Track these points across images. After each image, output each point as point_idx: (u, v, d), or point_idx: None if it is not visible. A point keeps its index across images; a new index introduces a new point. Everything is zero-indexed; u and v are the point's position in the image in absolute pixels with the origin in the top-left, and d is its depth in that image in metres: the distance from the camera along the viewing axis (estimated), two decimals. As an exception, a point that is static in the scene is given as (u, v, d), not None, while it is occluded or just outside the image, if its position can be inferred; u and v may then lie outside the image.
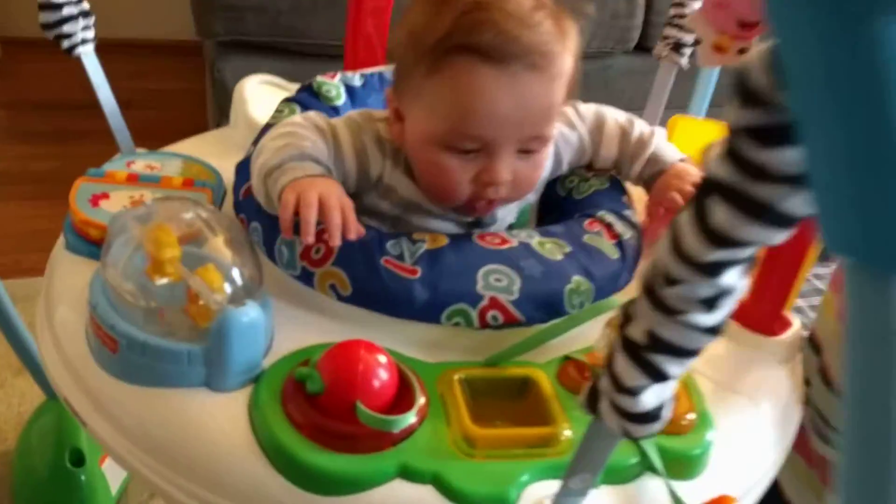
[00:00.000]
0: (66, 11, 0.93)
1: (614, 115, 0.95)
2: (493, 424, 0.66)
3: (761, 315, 0.84)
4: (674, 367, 0.46)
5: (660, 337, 0.45)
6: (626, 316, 0.47)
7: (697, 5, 1.13)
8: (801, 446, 0.95)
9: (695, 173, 0.90)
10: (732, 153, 0.38)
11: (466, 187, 0.81)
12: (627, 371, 0.47)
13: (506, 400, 0.70)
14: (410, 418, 0.63)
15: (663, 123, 1.10)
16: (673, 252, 0.42)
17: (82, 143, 2.25)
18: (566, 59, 0.79)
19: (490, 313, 0.74)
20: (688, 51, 1.15)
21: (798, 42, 0.30)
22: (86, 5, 0.94)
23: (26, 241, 1.94)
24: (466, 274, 0.75)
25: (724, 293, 0.43)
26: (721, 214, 0.39)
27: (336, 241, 0.71)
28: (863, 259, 0.31)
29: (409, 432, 0.63)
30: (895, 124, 0.28)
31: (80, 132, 2.30)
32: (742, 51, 0.98)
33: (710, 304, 0.43)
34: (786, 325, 0.86)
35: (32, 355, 1.23)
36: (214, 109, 2.08)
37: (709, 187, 0.40)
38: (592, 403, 0.51)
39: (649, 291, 0.45)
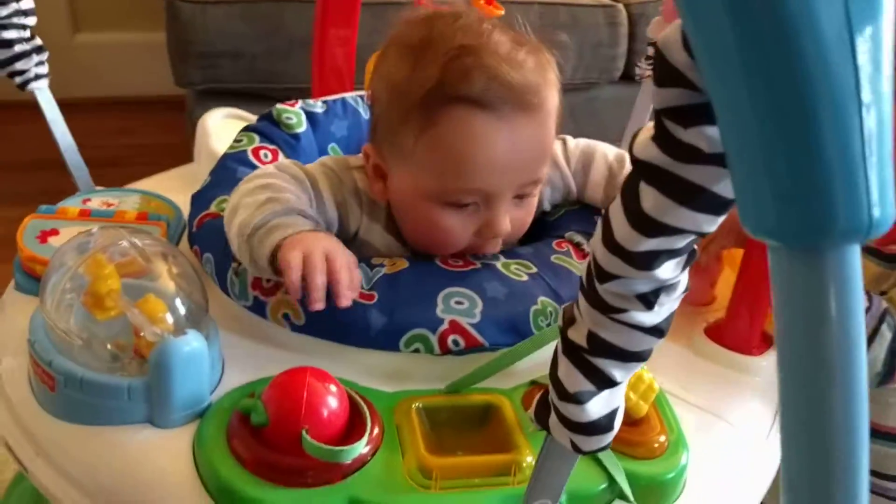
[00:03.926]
0: (18, 48, 0.92)
1: (604, 154, 0.89)
2: (453, 455, 0.63)
3: (738, 333, 0.80)
4: (618, 372, 0.43)
5: (601, 338, 0.42)
6: (569, 319, 0.44)
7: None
8: None
9: None
10: (659, 134, 0.35)
11: (466, 241, 0.78)
12: (570, 376, 0.44)
13: (468, 429, 0.67)
14: (360, 448, 0.59)
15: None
16: (605, 244, 0.39)
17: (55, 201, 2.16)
18: (552, 94, 0.76)
19: (451, 338, 0.70)
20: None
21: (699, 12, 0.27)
22: (38, 41, 0.93)
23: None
24: (425, 297, 0.71)
25: (662, 288, 0.40)
26: (650, 199, 0.36)
27: (347, 303, 0.67)
28: (780, 239, 0.28)
29: (360, 464, 0.60)
30: (803, 86, 0.25)
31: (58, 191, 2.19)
32: None
33: (648, 300, 0.40)
34: (767, 343, 0.82)
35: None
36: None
37: (638, 171, 0.37)
38: (542, 417, 0.47)
39: (587, 289, 0.42)
